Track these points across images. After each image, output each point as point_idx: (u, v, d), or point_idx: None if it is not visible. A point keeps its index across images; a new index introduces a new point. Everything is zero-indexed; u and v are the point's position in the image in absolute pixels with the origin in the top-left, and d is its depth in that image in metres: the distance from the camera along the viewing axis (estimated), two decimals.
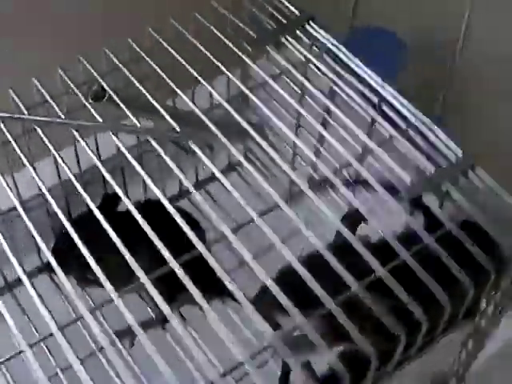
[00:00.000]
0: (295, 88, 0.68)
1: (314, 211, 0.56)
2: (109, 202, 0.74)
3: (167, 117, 0.57)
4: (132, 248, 0.56)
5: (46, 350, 0.67)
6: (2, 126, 0.58)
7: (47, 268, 0.78)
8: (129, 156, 0.58)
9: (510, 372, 0.78)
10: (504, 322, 0.67)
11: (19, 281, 0.59)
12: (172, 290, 0.55)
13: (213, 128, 0.57)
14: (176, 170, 0.55)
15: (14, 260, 0.55)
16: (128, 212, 0.74)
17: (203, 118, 0.58)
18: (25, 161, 0.61)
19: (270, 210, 0.54)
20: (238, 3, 0.71)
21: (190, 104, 0.61)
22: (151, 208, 0.59)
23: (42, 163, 0.65)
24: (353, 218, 0.61)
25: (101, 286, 0.72)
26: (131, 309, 0.52)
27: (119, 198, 0.76)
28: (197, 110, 0.59)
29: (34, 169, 0.59)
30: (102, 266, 0.55)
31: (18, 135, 0.62)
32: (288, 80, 0.67)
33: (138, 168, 0.57)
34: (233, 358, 0.47)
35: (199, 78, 0.64)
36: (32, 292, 0.53)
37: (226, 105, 0.62)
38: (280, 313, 0.54)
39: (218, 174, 0.55)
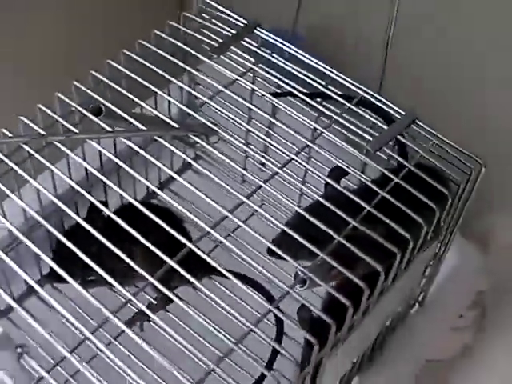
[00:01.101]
0: (247, 87, 0.79)
1: None
2: (95, 210, 0.84)
3: (165, 118, 0.68)
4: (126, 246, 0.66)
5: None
6: (26, 146, 0.67)
7: (51, 277, 0.85)
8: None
9: (460, 295, 0.94)
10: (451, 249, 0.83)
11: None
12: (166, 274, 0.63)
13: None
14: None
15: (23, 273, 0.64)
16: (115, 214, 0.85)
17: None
18: (30, 179, 0.70)
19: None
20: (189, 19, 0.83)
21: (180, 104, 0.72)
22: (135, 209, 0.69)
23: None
24: (335, 173, 0.73)
25: (102, 284, 0.81)
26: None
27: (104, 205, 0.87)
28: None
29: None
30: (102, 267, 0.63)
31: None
32: (242, 81, 0.78)
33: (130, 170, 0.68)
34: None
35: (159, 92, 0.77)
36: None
37: (185, 108, 0.74)
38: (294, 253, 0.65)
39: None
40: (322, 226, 0.62)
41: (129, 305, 0.83)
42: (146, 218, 0.65)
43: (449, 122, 0.73)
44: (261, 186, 0.64)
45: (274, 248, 0.63)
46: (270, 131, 0.88)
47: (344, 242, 0.61)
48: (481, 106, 1.08)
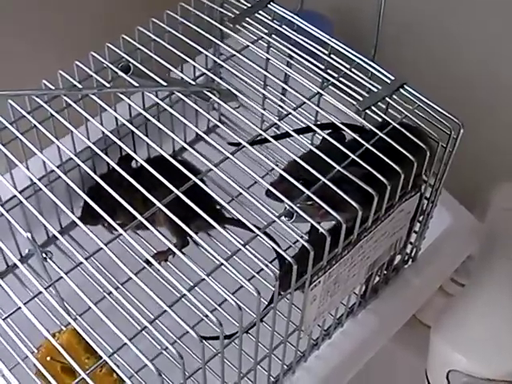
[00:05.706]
0: (263, 55, 0.89)
1: None
2: (124, 160, 0.95)
3: (182, 75, 0.79)
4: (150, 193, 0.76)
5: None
6: (66, 98, 0.78)
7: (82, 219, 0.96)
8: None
9: (450, 255, 1.02)
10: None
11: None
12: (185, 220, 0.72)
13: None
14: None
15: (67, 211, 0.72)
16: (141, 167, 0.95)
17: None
18: (71, 127, 0.81)
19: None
20: None
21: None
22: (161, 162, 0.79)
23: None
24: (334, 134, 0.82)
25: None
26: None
27: (131, 158, 0.98)
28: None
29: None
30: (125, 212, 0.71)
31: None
32: (256, 49, 0.88)
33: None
34: None
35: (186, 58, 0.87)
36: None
37: (209, 74, 0.84)
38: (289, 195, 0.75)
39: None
40: (312, 170, 0.71)
41: (150, 247, 0.95)
42: (167, 170, 0.74)
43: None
44: (275, 123, 0.75)
45: (271, 189, 0.73)
46: (284, 97, 0.98)
47: (328, 183, 0.70)
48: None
